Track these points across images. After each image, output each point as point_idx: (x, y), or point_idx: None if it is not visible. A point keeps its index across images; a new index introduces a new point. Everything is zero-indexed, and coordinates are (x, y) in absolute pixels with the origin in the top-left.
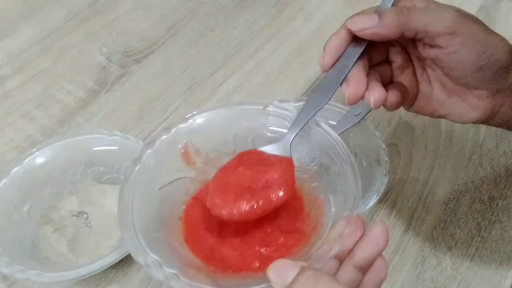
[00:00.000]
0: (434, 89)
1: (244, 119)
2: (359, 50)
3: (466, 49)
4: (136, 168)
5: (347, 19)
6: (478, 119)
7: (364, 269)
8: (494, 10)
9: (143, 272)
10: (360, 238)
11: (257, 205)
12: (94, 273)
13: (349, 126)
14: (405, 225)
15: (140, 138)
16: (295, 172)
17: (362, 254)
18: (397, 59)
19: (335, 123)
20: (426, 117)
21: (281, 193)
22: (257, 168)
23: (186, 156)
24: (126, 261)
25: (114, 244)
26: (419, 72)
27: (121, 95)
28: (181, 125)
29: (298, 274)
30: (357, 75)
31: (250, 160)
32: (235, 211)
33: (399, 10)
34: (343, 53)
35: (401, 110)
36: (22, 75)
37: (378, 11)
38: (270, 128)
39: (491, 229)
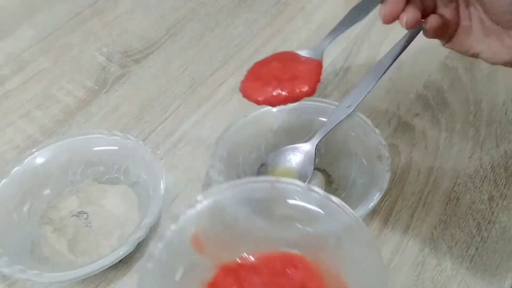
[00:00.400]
0: (473, 26)
1: (252, 198)
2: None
3: None
4: (150, 266)
5: None
6: (509, 61)
7: None
8: None
9: None
10: None
11: (281, 92)
12: (94, 273)
13: (340, 119)
14: (405, 225)
15: (140, 138)
16: None
17: None
18: None
19: (325, 120)
20: (426, 117)
21: (305, 88)
22: (288, 63)
23: (198, 245)
24: (126, 261)
25: (114, 244)
26: (462, 7)
27: (121, 95)
28: (188, 212)
29: None
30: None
31: (284, 57)
32: (262, 95)
33: None
34: None
35: (401, 110)
36: (22, 75)
37: None
38: (280, 205)
39: (491, 229)
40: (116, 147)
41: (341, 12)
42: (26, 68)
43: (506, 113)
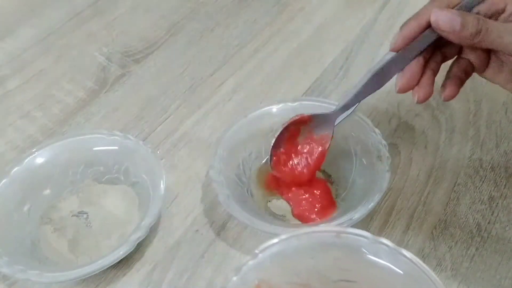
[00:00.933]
0: (504, 66)
1: (316, 250)
2: (429, 41)
3: None
4: None
5: (434, 9)
6: None
7: None
8: None
9: (143, 272)
10: None
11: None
12: (94, 273)
13: (341, 119)
14: (405, 225)
15: (140, 138)
16: None
17: None
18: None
19: None
20: (426, 117)
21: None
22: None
23: None
24: (126, 261)
25: (114, 244)
26: (492, 54)
27: (121, 95)
28: (251, 263)
29: None
30: (413, 68)
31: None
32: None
33: (481, 25)
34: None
35: (401, 110)
36: (22, 75)
37: (462, 16)
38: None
39: (491, 229)
40: (116, 147)
41: (341, 12)
42: (26, 68)
43: (506, 113)
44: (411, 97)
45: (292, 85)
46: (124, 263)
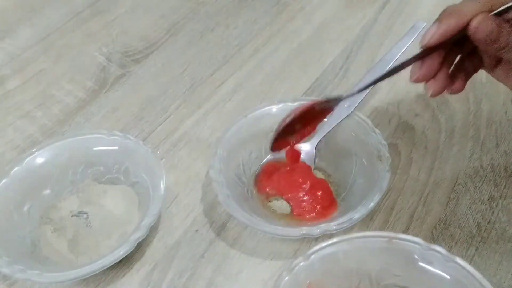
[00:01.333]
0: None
1: (367, 254)
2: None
3: None
4: None
5: (479, 16)
6: None
7: None
8: None
9: (143, 272)
10: None
11: None
12: (94, 273)
13: (340, 119)
14: (405, 225)
15: (140, 138)
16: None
17: None
18: None
19: (326, 119)
20: (426, 117)
21: None
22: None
23: None
24: (126, 261)
25: (114, 244)
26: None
27: (121, 95)
28: (302, 263)
29: None
30: (434, 61)
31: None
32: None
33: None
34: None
35: (401, 110)
36: (22, 75)
37: (500, 29)
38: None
39: (491, 229)
40: (116, 147)
41: (341, 12)
42: (26, 68)
43: (506, 113)
44: (411, 97)
45: (292, 85)
46: (124, 263)
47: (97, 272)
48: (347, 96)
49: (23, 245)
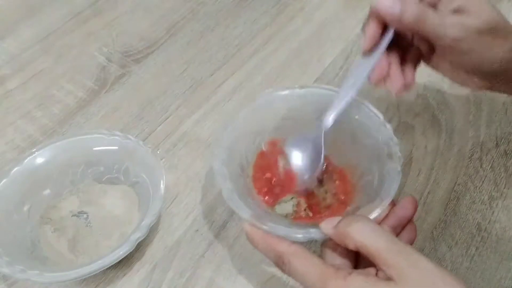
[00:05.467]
0: (446, 55)
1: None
2: (390, 38)
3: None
4: None
5: None
6: (478, 90)
7: (396, 229)
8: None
9: (143, 272)
10: (392, 207)
11: None
12: (94, 273)
13: (348, 97)
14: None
15: (140, 138)
16: None
17: (395, 217)
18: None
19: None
20: (426, 117)
21: None
22: None
23: None
24: (126, 261)
25: (114, 244)
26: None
27: (121, 95)
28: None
29: (342, 217)
30: (380, 62)
31: None
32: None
33: (421, 13)
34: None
35: (401, 110)
36: (22, 75)
37: (402, 2)
38: None
39: (491, 229)
40: (116, 147)
41: (341, 12)
42: (26, 68)
43: (506, 113)
44: (411, 97)
45: (292, 85)
46: (124, 263)
47: (97, 272)
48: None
49: (23, 245)
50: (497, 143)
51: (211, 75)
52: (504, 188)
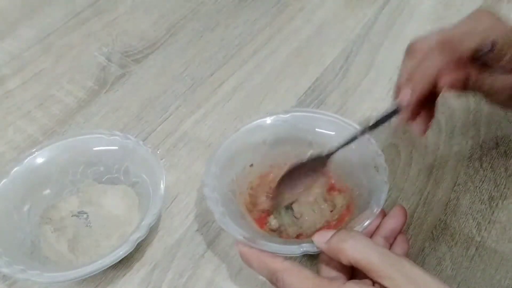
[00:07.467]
0: None
1: None
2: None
3: None
4: None
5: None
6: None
7: (389, 239)
8: (494, 10)
9: (143, 272)
10: (384, 217)
11: None
12: (94, 273)
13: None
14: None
15: (140, 138)
16: None
17: (387, 227)
18: None
19: (320, 130)
20: None
21: None
22: None
23: None
24: (126, 261)
25: (114, 244)
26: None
27: (121, 95)
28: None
29: (335, 232)
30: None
31: None
32: None
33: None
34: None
35: None
36: (22, 75)
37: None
38: None
39: (491, 229)
40: (116, 147)
41: (341, 12)
42: (26, 68)
43: (506, 113)
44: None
45: (292, 85)
46: (124, 263)
47: (97, 272)
48: (333, 152)
49: (23, 245)
50: (497, 143)
51: (211, 75)
52: (504, 188)
